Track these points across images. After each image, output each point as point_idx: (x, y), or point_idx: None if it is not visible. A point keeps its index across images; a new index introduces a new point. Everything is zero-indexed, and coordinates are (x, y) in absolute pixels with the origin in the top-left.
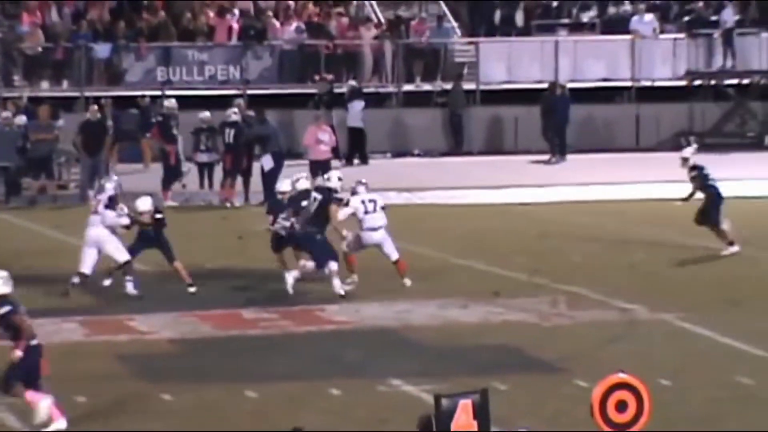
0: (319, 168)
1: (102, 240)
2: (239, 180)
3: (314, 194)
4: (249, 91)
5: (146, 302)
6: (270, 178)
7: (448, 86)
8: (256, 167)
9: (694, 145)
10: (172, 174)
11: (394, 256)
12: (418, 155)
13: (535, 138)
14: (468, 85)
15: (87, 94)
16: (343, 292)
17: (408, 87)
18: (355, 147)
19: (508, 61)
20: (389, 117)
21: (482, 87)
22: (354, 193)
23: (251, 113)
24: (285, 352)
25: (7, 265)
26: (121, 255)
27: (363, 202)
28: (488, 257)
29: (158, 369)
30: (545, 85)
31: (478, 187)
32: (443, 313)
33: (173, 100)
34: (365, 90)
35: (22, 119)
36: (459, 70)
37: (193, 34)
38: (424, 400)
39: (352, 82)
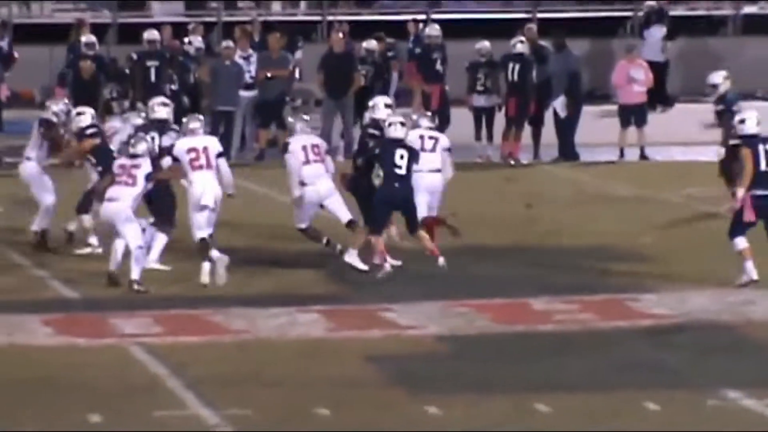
0: (630, 114)
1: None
2: (527, 130)
3: None
4: (540, 15)
5: (407, 288)
6: (567, 128)
7: None
8: (549, 113)
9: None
10: (441, 121)
11: (423, 213)
12: (762, 98)
13: None
14: None
15: (330, 18)
16: None
17: (750, 8)
18: (654, 87)
19: None
20: (723, 48)
21: None
22: (415, 126)
23: (544, 43)
24: (586, 354)
25: (228, 240)
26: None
27: (422, 137)
28: None
29: (421, 374)
30: None
31: None
32: None
33: (437, 27)
34: (693, 13)
35: (247, 52)
36: None
37: None
38: None
39: (652, 2)
